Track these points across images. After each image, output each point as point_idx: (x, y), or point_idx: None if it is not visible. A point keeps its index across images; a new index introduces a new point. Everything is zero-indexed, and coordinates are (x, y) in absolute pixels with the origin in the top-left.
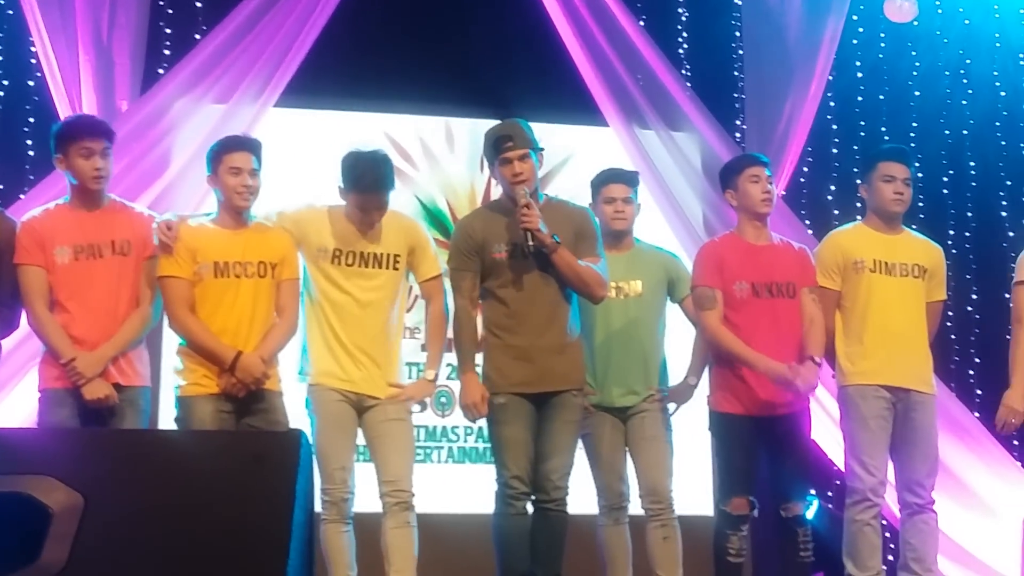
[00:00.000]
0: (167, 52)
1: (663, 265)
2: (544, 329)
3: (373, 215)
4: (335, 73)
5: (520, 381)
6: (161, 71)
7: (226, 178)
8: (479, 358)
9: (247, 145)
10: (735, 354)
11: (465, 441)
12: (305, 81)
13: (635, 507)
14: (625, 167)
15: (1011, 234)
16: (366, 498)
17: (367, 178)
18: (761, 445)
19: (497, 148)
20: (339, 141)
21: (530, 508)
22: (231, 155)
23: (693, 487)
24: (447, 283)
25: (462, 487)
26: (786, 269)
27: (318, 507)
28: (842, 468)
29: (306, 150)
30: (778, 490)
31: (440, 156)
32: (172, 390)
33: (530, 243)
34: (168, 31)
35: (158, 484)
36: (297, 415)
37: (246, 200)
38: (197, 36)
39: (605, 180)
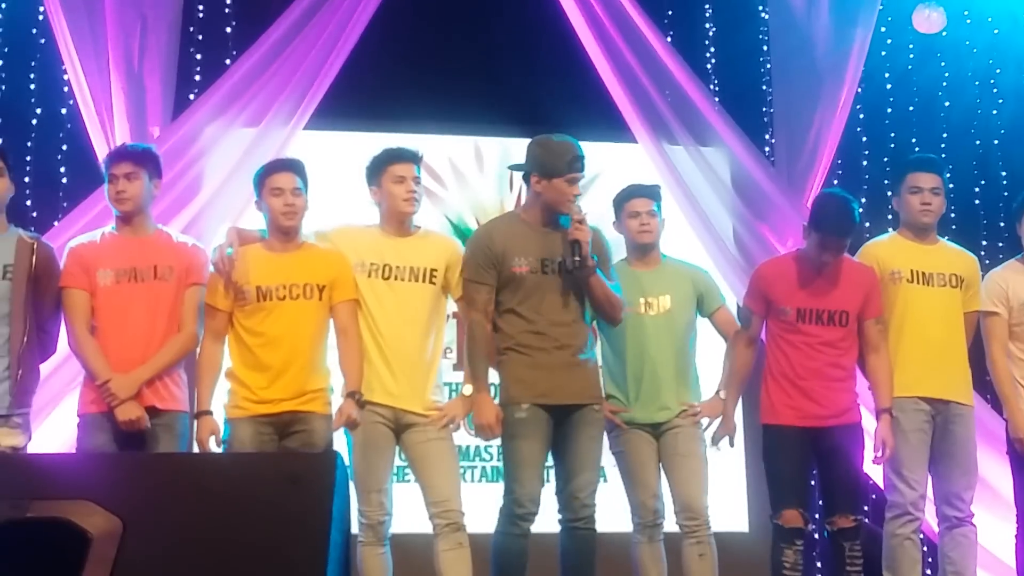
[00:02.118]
0: (198, 78)
1: (692, 279)
2: (565, 346)
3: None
4: (364, 95)
5: (543, 392)
6: (192, 96)
7: (270, 200)
8: (492, 375)
9: (289, 166)
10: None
11: (499, 460)
12: (334, 103)
13: (669, 523)
14: (649, 183)
15: None
16: (407, 518)
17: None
18: (812, 456)
19: (571, 166)
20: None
21: (539, 528)
22: (273, 176)
23: (727, 503)
24: None
25: (496, 507)
26: (844, 297)
27: (355, 528)
28: (878, 482)
29: (337, 171)
30: (827, 503)
31: (469, 176)
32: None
33: (576, 257)
34: (198, 56)
35: (195, 507)
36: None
37: (291, 219)
38: (227, 61)
39: (628, 196)
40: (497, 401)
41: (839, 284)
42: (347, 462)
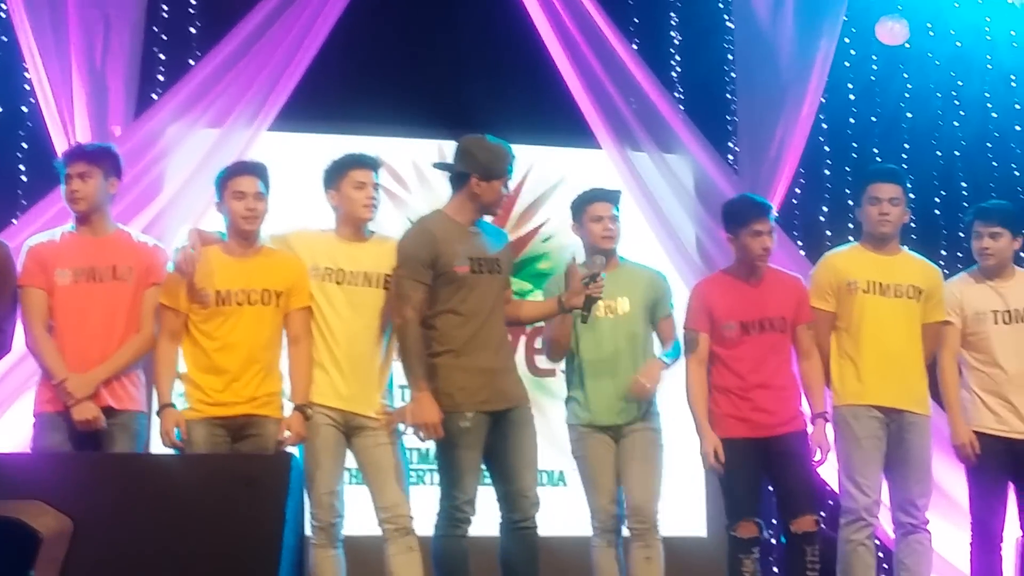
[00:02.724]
0: (161, 77)
1: (650, 282)
2: (500, 347)
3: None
4: (329, 97)
5: (486, 399)
6: (155, 96)
7: (231, 203)
8: None
9: (252, 169)
10: (692, 409)
11: None
12: (299, 105)
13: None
14: (610, 188)
15: None
16: (360, 520)
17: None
18: (763, 466)
19: (510, 168)
20: None
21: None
22: (235, 179)
23: (685, 509)
24: None
25: None
26: (779, 305)
27: (307, 531)
28: (834, 488)
29: (300, 174)
30: (786, 507)
31: (432, 179)
32: None
33: (586, 312)
34: (162, 56)
35: (148, 508)
36: None
37: (252, 224)
38: (191, 61)
39: (590, 199)
40: None
41: (775, 292)
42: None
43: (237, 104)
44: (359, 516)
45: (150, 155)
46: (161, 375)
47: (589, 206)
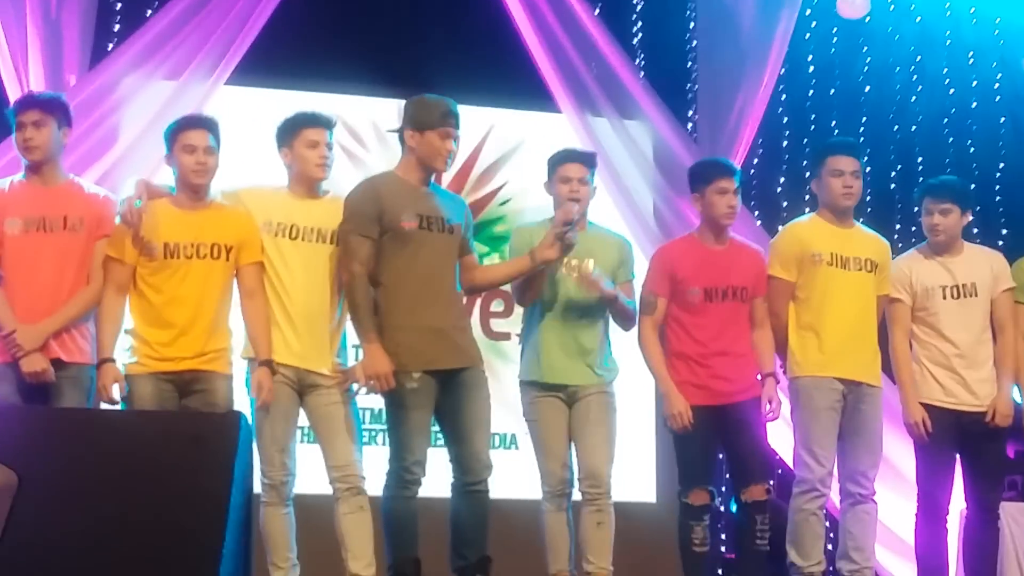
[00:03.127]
0: (117, 28)
1: (616, 247)
2: (451, 304)
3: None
4: (289, 52)
5: (432, 359)
6: (111, 47)
7: (181, 156)
8: None
9: (203, 123)
10: (652, 370)
11: None
12: (258, 59)
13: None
14: (586, 151)
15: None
16: (311, 479)
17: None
18: (718, 434)
19: (443, 119)
20: None
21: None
22: (186, 133)
23: (636, 474)
24: None
25: None
26: (742, 274)
27: (257, 488)
28: (785, 458)
29: (258, 129)
30: (738, 476)
31: (392, 139)
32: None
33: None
34: (118, 6)
35: (94, 463)
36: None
37: (201, 178)
38: (148, 12)
39: (563, 159)
40: None
41: (739, 260)
42: (250, 422)
43: (194, 57)
44: (311, 475)
45: (105, 106)
46: (105, 328)
47: (561, 166)
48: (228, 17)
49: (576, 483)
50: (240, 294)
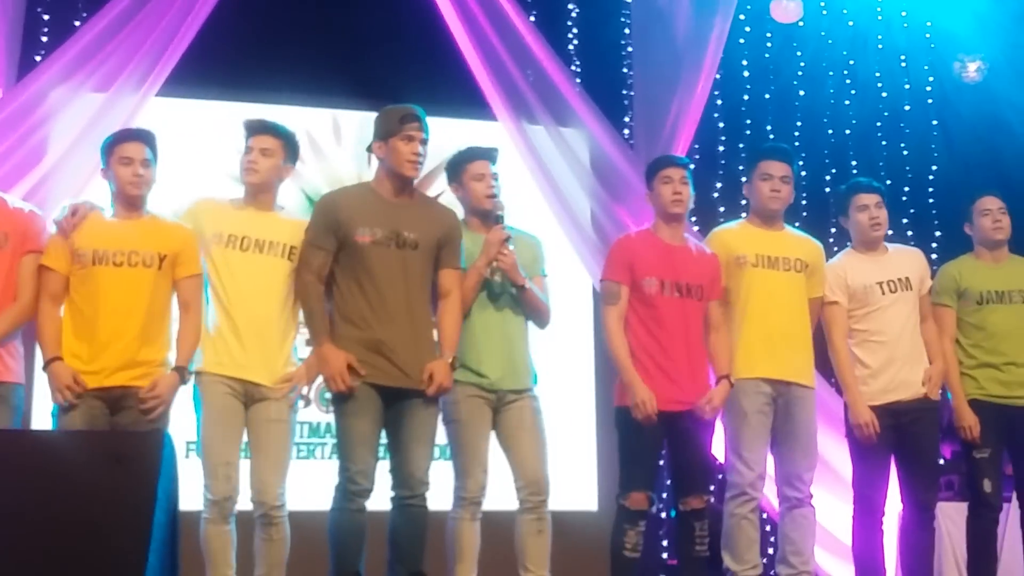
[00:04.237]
0: (45, 39)
1: (528, 244)
2: (404, 321)
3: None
4: (221, 63)
5: (376, 374)
6: (38, 58)
7: (118, 168)
8: None
9: (140, 136)
10: (617, 360)
11: None
12: (189, 70)
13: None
14: (512, 161)
15: (890, 232)
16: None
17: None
18: (665, 439)
19: (404, 122)
20: (224, 132)
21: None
22: (123, 145)
23: (577, 482)
24: None
25: None
26: (697, 272)
27: (189, 506)
28: (721, 462)
29: (191, 141)
30: (680, 484)
31: (327, 149)
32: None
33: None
34: (46, 17)
35: (17, 484)
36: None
37: (138, 189)
38: (77, 23)
39: (469, 158)
40: None
41: (693, 260)
42: (198, 433)
43: (125, 68)
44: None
45: (33, 119)
46: (45, 332)
47: (469, 164)
48: (159, 28)
49: (517, 491)
50: (179, 306)
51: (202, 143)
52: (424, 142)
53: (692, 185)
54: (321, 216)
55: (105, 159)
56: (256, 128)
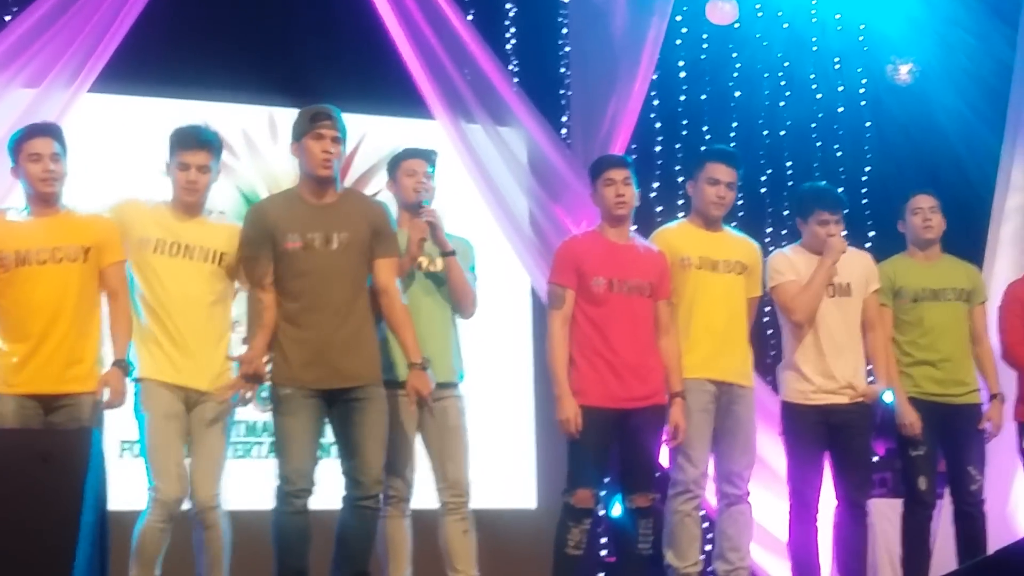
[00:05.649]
0: None
1: (461, 248)
2: (338, 323)
3: None
4: (155, 59)
5: (312, 376)
6: None
7: (28, 166)
8: None
9: (46, 130)
10: (553, 370)
11: None
12: (123, 66)
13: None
14: (449, 160)
15: None
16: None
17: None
18: (614, 437)
19: (312, 120)
20: (158, 129)
21: (317, 505)
22: (30, 142)
23: (515, 480)
24: None
25: None
26: (645, 270)
27: (118, 506)
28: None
29: (123, 138)
30: (626, 482)
31: (262, 147)
32: None
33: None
34: None
35: None
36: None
37: (51, 185)
38: (7, 18)
39: (404, 156)
40: None
41: (640, 258)
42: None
43: (56, 64)
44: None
45: None
46: None
47: (404, 162)
48: (91, 22)
49: (438, 492)
50: (106, 295)
51: (135, 140)
52: (337, 140)
53: (636, 183)
54: (251, 227)
55: (14, 157)
56: (190, 143)
